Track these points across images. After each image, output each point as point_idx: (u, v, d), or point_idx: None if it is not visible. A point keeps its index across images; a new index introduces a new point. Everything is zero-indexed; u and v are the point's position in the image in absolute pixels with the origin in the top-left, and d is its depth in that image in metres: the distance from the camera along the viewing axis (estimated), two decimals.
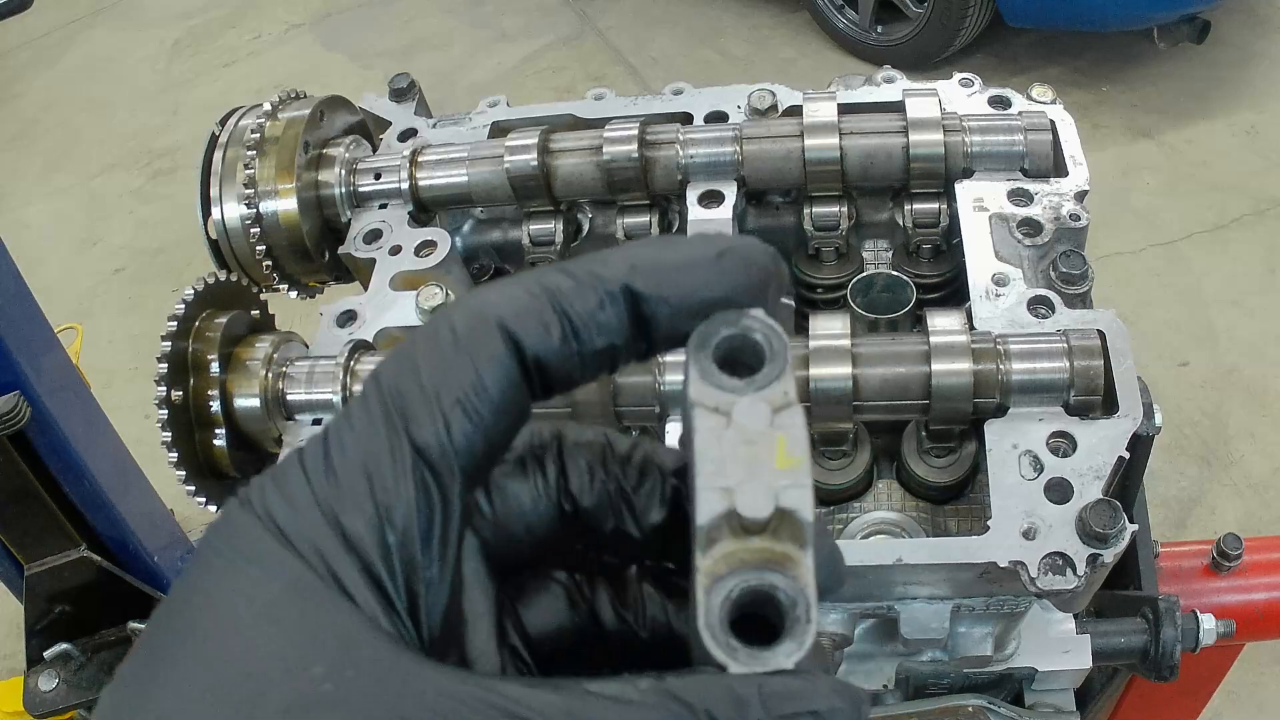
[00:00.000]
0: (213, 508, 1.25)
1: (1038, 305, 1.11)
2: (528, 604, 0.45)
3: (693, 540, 0.37)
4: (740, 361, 0.39)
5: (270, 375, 1.19)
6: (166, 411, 1.16)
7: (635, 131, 1.30)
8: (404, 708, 0.33)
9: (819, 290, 1.37)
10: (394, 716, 0.33)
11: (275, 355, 1.21)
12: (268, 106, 1.39)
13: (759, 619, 0.36)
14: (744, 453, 0.37)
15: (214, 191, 1.35)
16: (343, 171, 1.38)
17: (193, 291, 1.22)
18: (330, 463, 0.37)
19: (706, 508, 0.36)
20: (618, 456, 0.44)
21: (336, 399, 1.16)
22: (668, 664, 0.37)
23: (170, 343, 1.17)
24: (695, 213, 1.29)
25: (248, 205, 1.33)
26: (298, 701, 0.33)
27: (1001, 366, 1.04)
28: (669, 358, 1.10)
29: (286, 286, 1.41)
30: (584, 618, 0.45)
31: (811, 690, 0.34)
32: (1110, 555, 0.94)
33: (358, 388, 1.16)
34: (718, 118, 1.39)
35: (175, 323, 1.19)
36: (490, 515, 0.43)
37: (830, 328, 1.08)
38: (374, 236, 1.34)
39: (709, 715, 0.33)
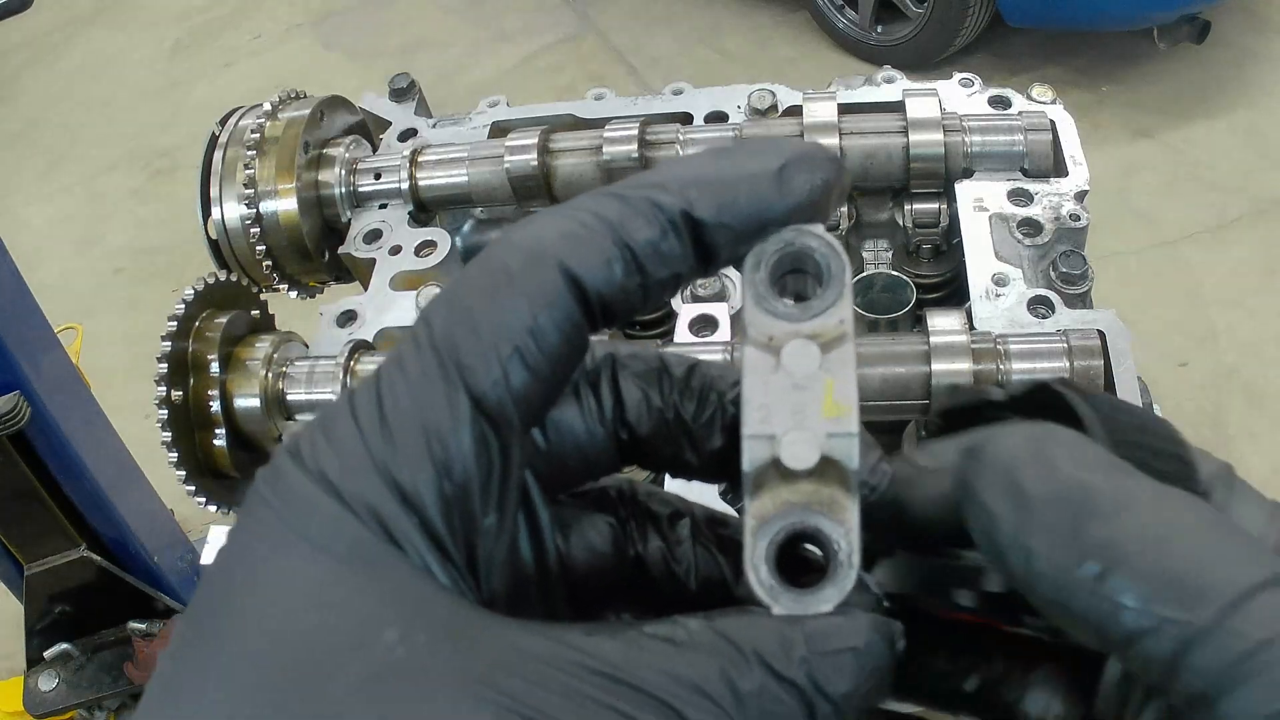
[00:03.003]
0: (213, 508, 1.25)
1: (1038, 305, 1.11)
2: (571, 538, 0.43)
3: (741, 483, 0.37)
4: (802, 271, 0.38)
5: (270, 375, 1.19)
6: (166, 411, 1.16)
7: (635, 131, 1.30)
8: (477, 667, 0.32)
9: None
10: (469, 677, 0.32)
11: (275, 355, 1.21)
12: (268, 106, 1.39)
13: (805, 551, 0.36)
14: (791, 399, 0.36)
15: (214, 191, 1.36)
16: (343, 171, 1.38)
17: (193, 291, 1.22)
18: (384, 415, 0.35)
19: (751, 455, 0.36)
20: (674, 382, 0.42)
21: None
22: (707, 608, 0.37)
23: (170, 343, 1.18)
24: None
25: (248, 205, 1.33)
26: (374, 671, 0.32)
27: (1001, 366, 1.04)
28: None
29: (286, 286, 1.41)
30: (628, 564, 0.44)
31: (851, 628, 0.35)
32: None
33: None
34: (718, 118, 1.39)
35: (175, 323, 1.19)
36: (544, 448, 0.41)
37: None
38: (374, 236, 1.34)
39: (756, 654, 0.33)
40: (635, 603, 0.44)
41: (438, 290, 1.24)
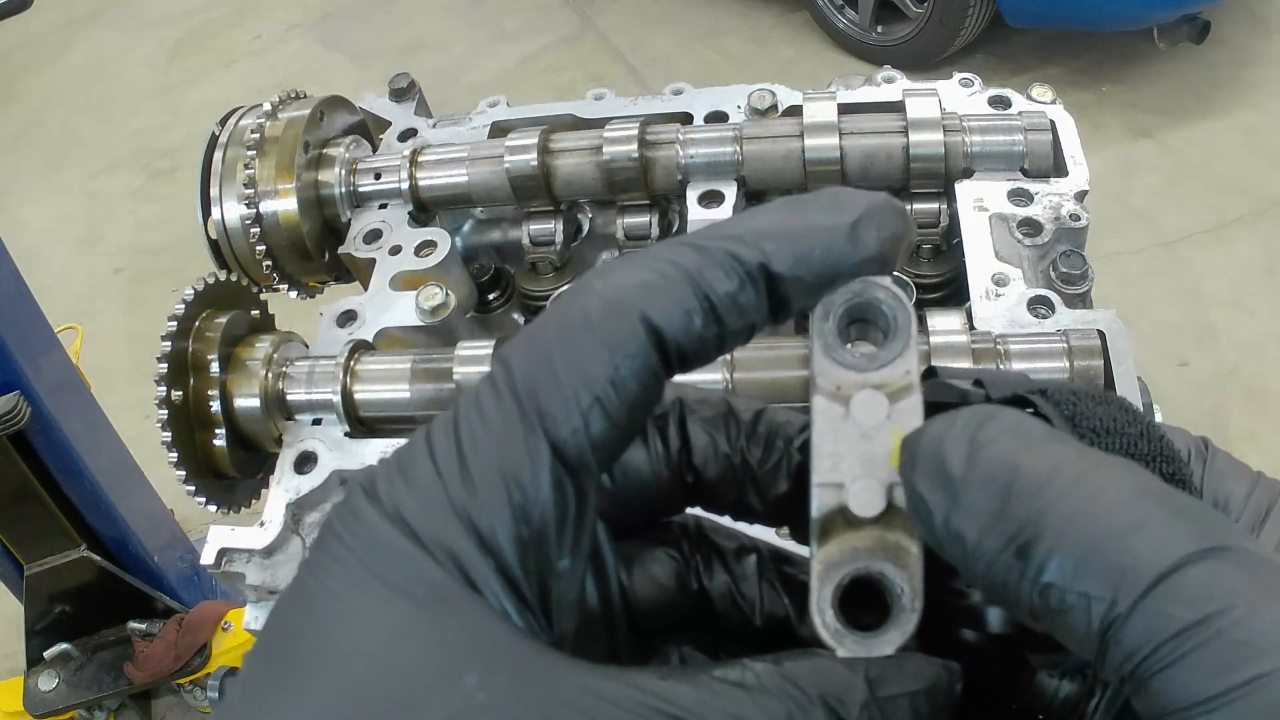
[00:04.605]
0: (213, 508, 1.25)
1: (1038, 305, 1.11)
2: (635, 572, 0.44)
3: (809, 529, 0.38)
4: (867, 320, 0.39)
5: (270, 375, 1.19)
6: (166, 411, 1.16)
7: (635, 131, 1.30)
8: (555, 711, 0.32)
9: None
10: None
11: (275, 355, 1.21)
12: (268, 106, 1.39)
13: (869, 592, 0.37)
14: (859, 448, 0.37)
15: (214, 191, 1.35)
16: (343, 171, 1.38)
17: (193, 291, 1.22)
18: (464, 460, 0.35)
19: (820, 503, 0.37)
20: (742, 427, 0.43)
21: (336, 399, 1.16)
22: (773, 648, 0.37)
23: (170, 343, 1.18)
24: (695, 213, 1.29)
25: (248, 205, 1.33)
26: (456, 714, 0.32)
27: (1001, 367, 1.04)
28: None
29: (286, 286, 1.41)
30: (691, 598, 0.44)
31: (913, 671, 0.36)
32: None
33: (358, 387, 1.17)
34: (718, 118, 1.39)
35: (175, 323, 1.19)
36: (610, 488, 0.42)
37: None
38: (374, 236, 1.34)
39: (821, 699, 0.34)
40: (697, 636, 0.45)
41: (437, 290, 1.24)
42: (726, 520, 0.45)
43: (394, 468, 0.36)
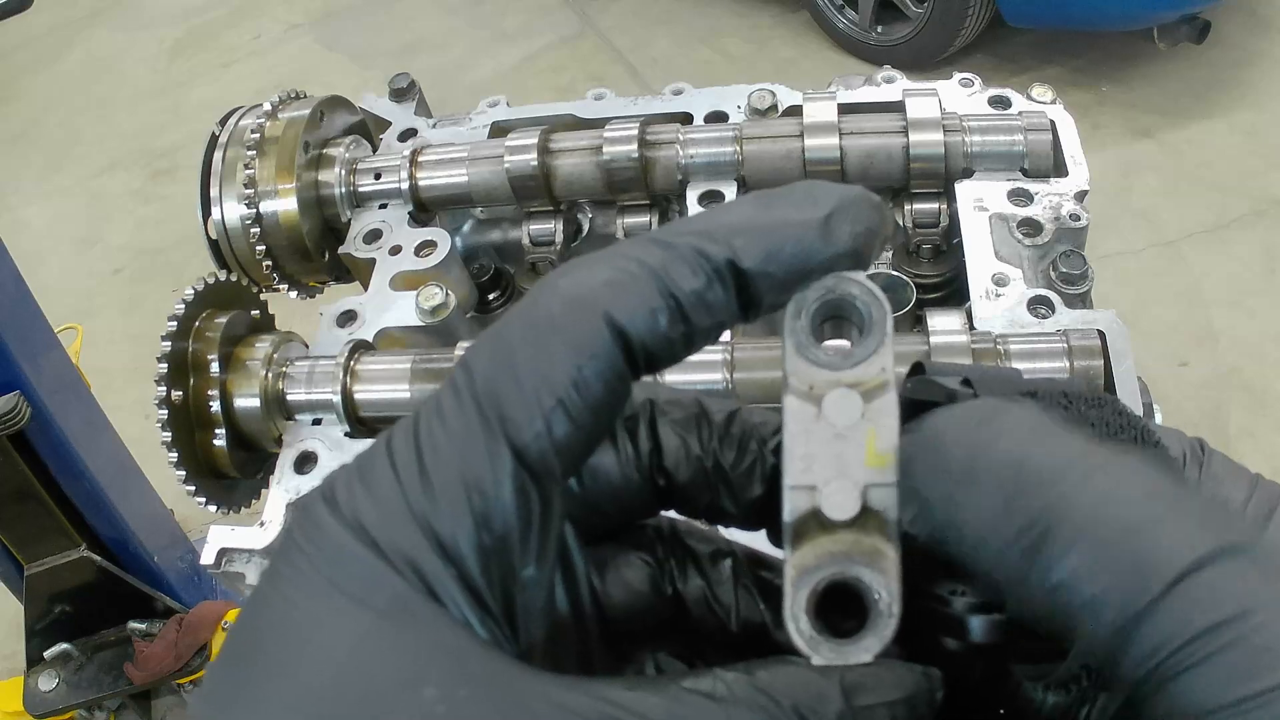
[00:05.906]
0: (213, 508, 1.25)
1: (1038, 305, 1.11)
2: (608, 577, 0.42)
3: (782, 534, 0.37)
4: (841, 318, 0.38)
5: (270, 375, 1.19)
6: (166, 411, 1.16)
7: (635, 131, 1.30)
8: None
9: None
10: None
11: (275, 355, 1.21)
12: (268, 106, 1.39)
13: (847, 597, 0.36)
14: (832, 448, 0.36)
15: (214, 191, 1.36)
16: (343, 171, 1.38)
17: (193, 291, 1.22)
18: (424, 465, 0.34)
19: (793, 506, 0.36)
20: (714, 429, 0.41)
21: (336, 399, 1.16)
22: (749, 654, 0.36)
23: (170, 343, 1.18)
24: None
25: (248, 205, 1.33)
26: None
27: (1002, 367, 1.04)
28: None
29: (286, 286, 1.41)
30: (666, 604, 0.43)
31: (891, 679, 0.35)
32: None
33: (358, 387, 1.17)
34: (718, 118, 1.39)
35: (175, 323, 1.19)
36: (579, 493, 0.41)
37: None
38: (374, 236, 1.34)
39: (795, 709, 0.33)
40: (673, 641, 0.44)
41: (437, 290, 1.24)
42: (702, 523, 0.44)
43: (354, 474, 0.35)
